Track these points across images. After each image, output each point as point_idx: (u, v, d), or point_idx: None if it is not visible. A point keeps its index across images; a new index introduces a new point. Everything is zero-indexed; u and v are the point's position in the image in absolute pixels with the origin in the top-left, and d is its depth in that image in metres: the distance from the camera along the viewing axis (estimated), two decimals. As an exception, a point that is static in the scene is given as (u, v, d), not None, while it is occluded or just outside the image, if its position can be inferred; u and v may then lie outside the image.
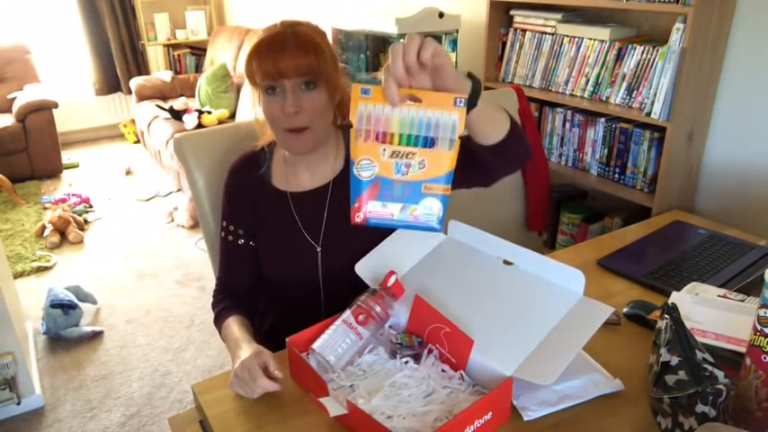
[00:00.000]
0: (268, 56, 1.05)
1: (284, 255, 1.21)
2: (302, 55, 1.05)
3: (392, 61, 0.75)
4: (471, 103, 0.82)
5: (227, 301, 1.21)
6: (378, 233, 1.08)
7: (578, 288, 0.99)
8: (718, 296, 1.15)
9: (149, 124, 4.34)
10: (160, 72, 5.08)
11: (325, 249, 1.19)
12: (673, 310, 0.95)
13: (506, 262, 1.08)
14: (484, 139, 0.93)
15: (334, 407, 0.84)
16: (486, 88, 2.33)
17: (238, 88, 4.27)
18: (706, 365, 0.85)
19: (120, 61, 5.08)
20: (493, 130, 0.92)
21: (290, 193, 1.21)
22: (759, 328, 0.80)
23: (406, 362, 0.97)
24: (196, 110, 4.08)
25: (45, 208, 3.76)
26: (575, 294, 0.99)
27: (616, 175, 1.98)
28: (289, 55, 1.05)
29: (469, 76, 0.84)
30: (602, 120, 1.98)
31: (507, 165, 1.04)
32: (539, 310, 0.99)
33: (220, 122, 4.00)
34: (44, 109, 4.22)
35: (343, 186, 1.10)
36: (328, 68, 1.09)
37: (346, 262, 1.10)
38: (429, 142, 0.80)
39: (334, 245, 1.19)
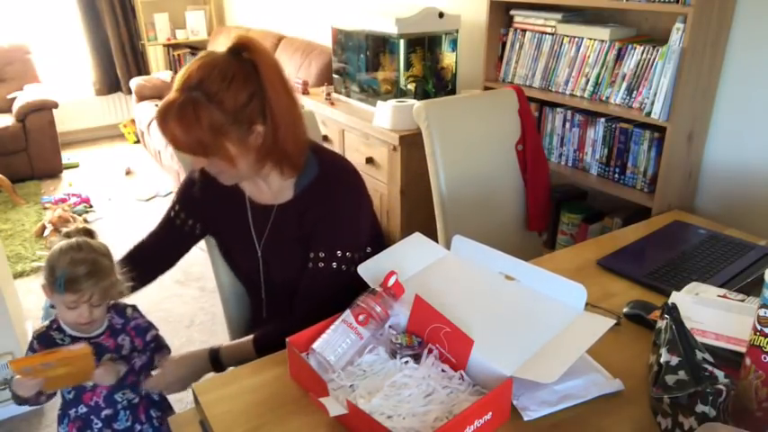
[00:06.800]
0: (159, 125, 1.07)
1: (236, 250, 1.34)
2: (180, 132, 1.05)
3: None
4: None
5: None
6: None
7: (579, 303, 1.00)
8: (718, 296, 1.15)
9: (149, 124, 4.34)
10: (160, 72, 5.08)
11: (265, 256, 1.29)
12: (673, 310, 0.95)
13: (508, 277, 1.10)
14: None
15: (334, 407, 0.84)
16: (486, 88, 2.33)
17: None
18: (706, 365, 0.85)
19: (120, 61, 5.08)
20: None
21: (249, 199, 1.28)
22: (759, 328, 0.80)
23: (406, 362, 0.97)
24: (196, 110, 4.07)
25: (45, 208, 3.76)
26: (576, 309, 1.00)
27: (616, 175, 1.98)
28: (169, 131, 1.06)
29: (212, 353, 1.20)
30: (602, 120, 1.98)
31: None
32: (540, 322, 0.99)
33: (220, 122, 3.98)
34: (44, 109, 4.22)
35: (286, 213, 1.23)
36: (207, 143, 1.06)
37: (283, 270, 1.26)
38: None
39: (272, 254, 1.28)
